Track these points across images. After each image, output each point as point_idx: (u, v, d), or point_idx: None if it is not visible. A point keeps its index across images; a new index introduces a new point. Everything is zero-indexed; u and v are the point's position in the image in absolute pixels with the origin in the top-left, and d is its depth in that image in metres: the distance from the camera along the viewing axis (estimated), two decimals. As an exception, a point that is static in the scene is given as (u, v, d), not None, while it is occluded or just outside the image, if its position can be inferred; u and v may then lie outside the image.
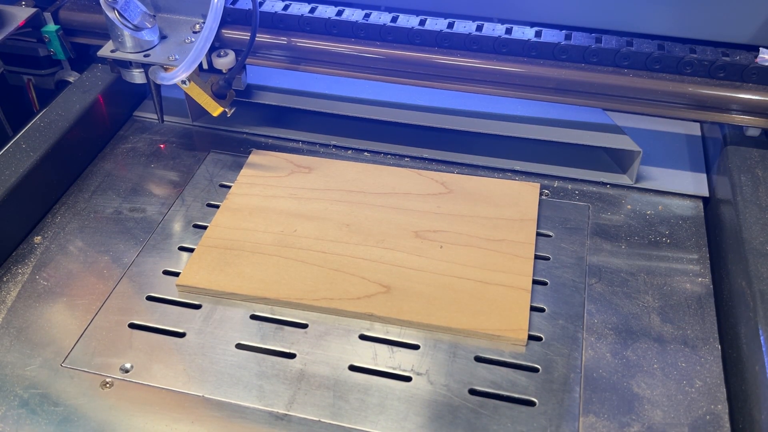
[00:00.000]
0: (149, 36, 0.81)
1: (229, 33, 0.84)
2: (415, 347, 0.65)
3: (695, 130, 0.91)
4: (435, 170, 0.84)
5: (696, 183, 0.82)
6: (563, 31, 0.79)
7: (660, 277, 0.71)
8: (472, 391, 0.62)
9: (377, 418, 0.60)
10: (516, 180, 0.83)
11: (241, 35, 0.83)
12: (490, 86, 0.81)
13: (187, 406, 0.61)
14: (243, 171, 0.84)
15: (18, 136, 0.81)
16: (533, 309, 0.68)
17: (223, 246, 0.74)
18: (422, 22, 0.81)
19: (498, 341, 0.65)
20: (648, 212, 0.79)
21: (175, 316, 0.68)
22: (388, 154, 0.88)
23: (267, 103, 0.90)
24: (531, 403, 0.61)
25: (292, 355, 0.65)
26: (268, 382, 0.62)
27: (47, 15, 0.89)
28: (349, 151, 0.88)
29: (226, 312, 0.69)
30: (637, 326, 0.67)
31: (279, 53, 0.85)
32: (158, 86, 0.84)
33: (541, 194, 0.81)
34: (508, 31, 0.79)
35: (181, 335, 0.67)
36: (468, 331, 0.66)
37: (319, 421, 0.60)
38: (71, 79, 0.93)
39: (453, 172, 0.84)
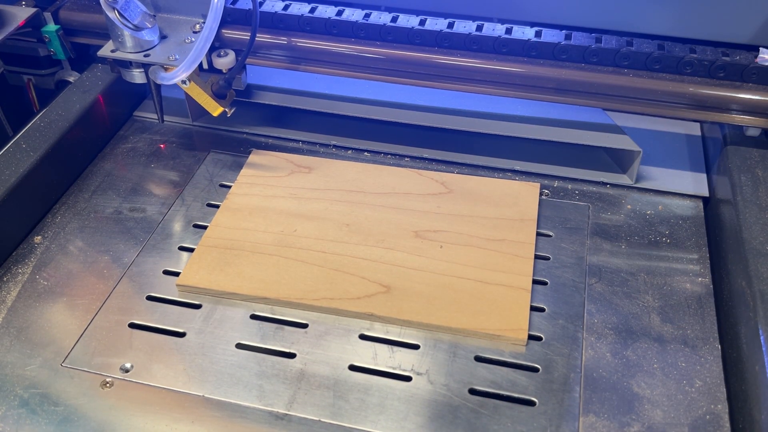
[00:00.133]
0: (149, 36, 0.81)
1: (229, 33, 0.84)
2: (415, 347, 0.65)
3: (695, 130, 0.91)
4: (435, 170, 0.84)
5: (696, 183, 0.82)
6: (563, 31, 0.80)
7: (660, 277, 0.71)
8: (472, 391, 0.62)
9: (377, 417, 0.60)
10: (516, 180, 0.83)
11: (241, 35, 0.83)
12: (490, 86, 0.81)
13: (187, 406, 0.61)
14: (243, 171, 0.84)
15: (18, 136, 0.81)
16: (533, 309, 0.68)
17: (223, 246, 0.74)
18: (422, 22, 0.81)
19: (498, 341, 0.65)
20: (648, 212, 0.79)
21: (175, 316, 0.68)
22: (388, 154, 0.88)
23: (267, 103, 0.90)
24: (531, 403, 0.61)
25: (292, 355, 0.65)
26: (268, 382, 0.62)
27: (47, 15, 0.89)
28: (349, 151, 0.88)
29: (226, 312, 0.69)
30: (637, 326, 0.67)
31: (279, 53, 0.85)
32: (158, 86, 0.84)
33: (541, 194, 0.81)
34: (508, 31, 0.79)
35: (181, 335, 0.67)
36: (468, 331, 0.66)
37: (319, 420, 0.60)
38: (71, 79, 0.93)
39: (453, 172, 0.84)
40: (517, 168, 0.85)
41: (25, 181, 0.76)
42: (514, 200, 0.79)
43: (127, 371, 0.63)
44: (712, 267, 0.73)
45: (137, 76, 0.84)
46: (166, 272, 0.73)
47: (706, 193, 0.81)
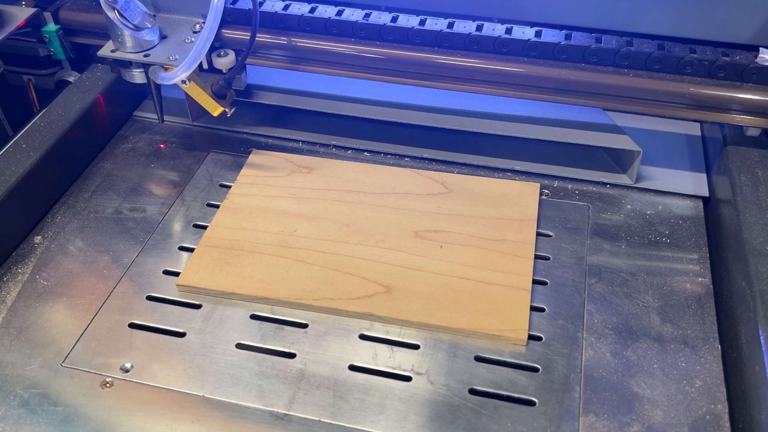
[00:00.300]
0: (149, 36, 0.81)
1: (229, 33, 0.84)
2: (415, 347, 0.65)
3: (695, 130, 0.91)
4: (435, 170, 0.84)
5: (696, 183, 0.82)
6: (563, 31, 0.80)
7: (660, 277, 0.71)
8: (472, 391, 0.62)
9: (377, 418, 0.60)
10: (516, 180, 0.83)
11: (241, 35, 0.83)
12: (490, 86, 0.81)
13: (187, 406, 0.61)
14: (243, 171, 0.84)
15: (18, 136, 0.81)
16: (533, 309, 0.68)
17: (223, 246, 0.74)
18: (422, 22, 0.81)
19: (498, 341, 0.65)
20: (648, 212, 0.79)
21: (175, 316, 0.68)
22: (388, 154, 0.88)
23: (267, 103, 0.90)
24: (531, 403, 0.61)
25: (292, 355, 0.65)
26: (268, 382, 0.62)
27: (47, 15, 0.89)
28: (349, 151, 0.88)
29: (226, 312, 0.69)
30: (637, 326, 0.67)
31: (279, 53, 0.85)
32: (158, 86, 0.84)
33: (541, 194, 0.81)
34: (508, 31, 0.79)
35: (181, 335, 0.67)
36: (468, 331, 0.66)
37: (319, 420, 0.60)
38: (71, 79, 0.93)
39: (453, 172, 0.84)
40: (517, 168, 0.85)
41: (25, 181, 0.76)
42: (514, 200, 0.79)
43: (127, 371, 0.63)
44: (712, 267, 0.73)
45: (137, 76, 0.84)
46: (166, 272, 0.73)
47: (706, 193, 0.81)
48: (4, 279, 0.72)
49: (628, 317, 0.68)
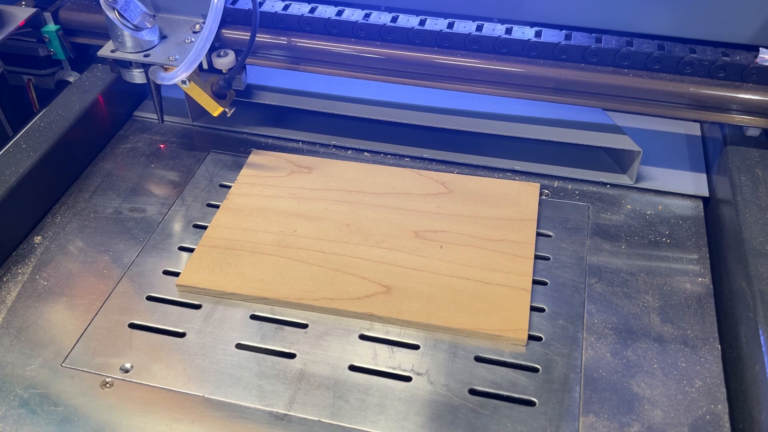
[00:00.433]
0: (149, 36, 0.81)
1: (229, 33, 0.84)
2: (415, 347, 0.65)
3: (695, 130, 0.91)
4: (435, 170, 0.84)
5: (696, 183, 0.82)
6: (563, 31, 0.79)
7: (660, 277, 0.71)
8: (472, 391, 0.62)
9: (377, 418, 0.60)
10: (516, 180, 0.83)
11: (241, 35, 0.83)
12: (490, 86, 0.81)
13: (187, 406, 0.61)
14: (243, 171, 0.84)
15: (18, 136, 0.81)
16: (533, 309, 0.68)
17: (223, 246, 0.74)
18: (422, 22, 0.81)
19: (498, 341, 0.65)
20: (648, 212, 0.79)
21: (175, 316, 0.68)
22: (388, 154, 0.88)
23: (267, 103, 0.90)
24: (531, 403, 0.61)
25: (292, 355, 0.65)
26: (268, 382, 0.62)
27: (47, 15, 0.89)
28: (349, 151, 0.88)
29: (226, 312, 0.69)
30: (637, 326, 0.67)
31: (279, 53, 0.85)
32: (158, 86, 0.84)
33: (541, 194, 0.81)
34: (508, 31, 0.79)
35: (181, 335, 0.67)
36: (468, 331, 0.66)
37: (319, 421, 0.60)
38: (71, 79, 0.93)
39: (453, 172, 0.84)
40: (517, 168, 0.85)
41: (25, 181, 0.76)
42: (514, 200, 0.79)
43: (127, 371, 0.63)
44: (712, 267, 0.73)
45: (137, 76, 0.84)
46: (166, 272, 0.73)
47: (706, 193, 0.81)
48: (4, 279, 0.72)
49: (628, 317, 0.68)
